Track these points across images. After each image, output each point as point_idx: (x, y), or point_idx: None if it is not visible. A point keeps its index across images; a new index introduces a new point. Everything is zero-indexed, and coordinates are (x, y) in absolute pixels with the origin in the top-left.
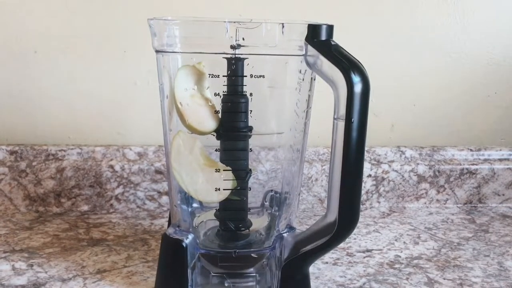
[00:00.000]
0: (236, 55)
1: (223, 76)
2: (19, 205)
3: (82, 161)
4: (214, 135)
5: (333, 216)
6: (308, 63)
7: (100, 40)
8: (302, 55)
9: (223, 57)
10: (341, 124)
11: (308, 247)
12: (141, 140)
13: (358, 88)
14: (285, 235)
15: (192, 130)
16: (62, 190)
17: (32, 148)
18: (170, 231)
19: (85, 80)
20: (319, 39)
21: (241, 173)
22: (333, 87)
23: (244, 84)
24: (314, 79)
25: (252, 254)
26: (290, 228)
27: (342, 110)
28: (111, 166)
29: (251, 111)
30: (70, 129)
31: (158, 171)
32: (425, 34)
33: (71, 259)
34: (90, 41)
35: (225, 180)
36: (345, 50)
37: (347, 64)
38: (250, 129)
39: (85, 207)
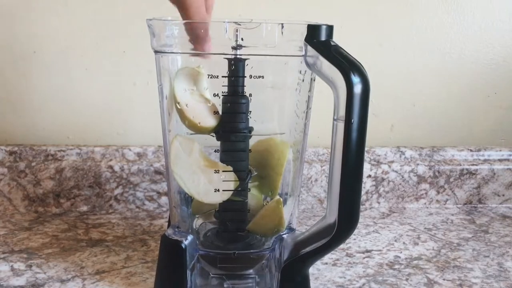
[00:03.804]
0: (236, 56)
1: (222, 76)
2: (18, 206)
3: (81, 162)
4: (213, 136)
5: (332, 217)
6: (307, 64)
7: (100, 40)
8: (302, 55)
9: (224, 58)
10: (341, 125)
11: (308, 249)
12: (140, 140)
13: (357, 89)
14: (284, 236)
15: (193, 127)
16: (61, 190)
17: (31, 148)
18: (170, 232)
19: (84, 80)
20: (318, 39)
21: (241, 174)
22: (332, 88)
23: (244, 84)
24: (314, 80)
25: (252, 255)
26: (290, 229)
27: (342, 111)
28: (111, 167)
29: (250, 111)
30: (69, 129)
31: (157, 172)
32: (425, 34)
33: (70, 260)
34: (90, 41)
35: (225, 181)
36: (345, 51)
37: (347, 65)
38: (251, 130)
39: (84, 208)
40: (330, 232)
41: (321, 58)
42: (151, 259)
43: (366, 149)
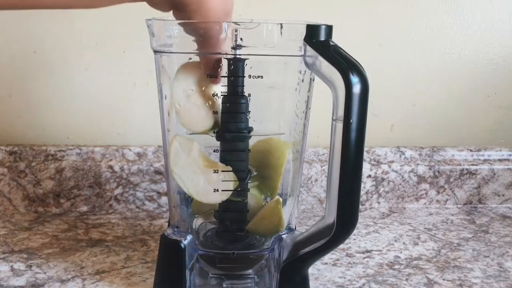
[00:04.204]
0: (235, 56)
1: (222, 76)
2: (18, 206)
3: (81, 162)
4: (213, 136)
5: (331, 218)
6: (306, 64)
7: (100, 40)
8: (301, 55)
9: (223, 58)
10: (340, 126)
11: (307, 249)
12: (140, 140)
13: (356, 89)
14: (284, 236)
15: (188, 129)
16: (61, 190)
17: (31, 148)
18: (169, 231)
19: (84, 80)
20: (317, 39)
21: (241, 174)
22: (331, 88)
23: (243, 84)
24: (313, 80)
25: (251, 256)
26: (289, 229)
27: (341, 111)
28: (111, 167)
29: (249, 111)
30: (69, 130)
31: (157, 172)
32: (425, 34)
33: (70, 260)
34: (90, 41)
35: (224, 181)
36: (344, 51)
37: (346, 65)
38: (250, 130)
39: (84, 208)
40: (329, 233)
41: (320, 58)
42: (151, 259)
43: (366, 149)
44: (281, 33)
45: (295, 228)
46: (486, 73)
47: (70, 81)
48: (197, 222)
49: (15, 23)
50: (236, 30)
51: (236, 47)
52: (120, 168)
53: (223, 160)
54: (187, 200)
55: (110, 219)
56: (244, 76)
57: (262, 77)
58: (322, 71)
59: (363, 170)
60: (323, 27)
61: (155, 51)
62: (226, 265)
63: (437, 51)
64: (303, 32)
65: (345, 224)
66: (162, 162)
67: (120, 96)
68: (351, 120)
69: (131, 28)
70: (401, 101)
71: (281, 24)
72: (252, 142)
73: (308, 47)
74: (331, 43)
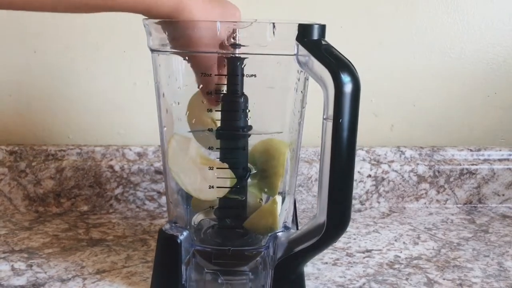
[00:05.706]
0: (230, 55)
1: (215, 75)
2: (19, 205)
3: (81, 161)
4: (210, 134)
5: (322, 217)
6: (299, 63)
7: (100, 40)
8: (294, 54)
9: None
10: (330, 125)
11: (300, 247)
12: (141, 140)
13: (347, 88)
14: (279, 234)
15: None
16: (61, 190)
17: (32, 148)
18: (166, 227)
19: (84, 80)
20: (310, 38)
21: (240, 172)
22: (322, 87)
23: (238, 83)
24: (307, 79)
25: (246, 252)
26: (286, 228)
27: (331, 111)
28: (111, 166)
29: (243, 110)
30: (69, 129)
31: (157, 171)
32: (425, 34)
33: (70, 260)
34: (90, 41)
35: (219, 178)
36: (336, 50)
37: (336, 64)
38: (248, 128)
39: (84, 207)
40: (320, 232)
41: (312, 58)
42: (151, 258)
43: (366, 149)
44: (273, 32)
45: (298, 227)
46: (486, 73)
47: (70, 81)
48: (197, 218)
49: (15, 23)
50: (230, 29)
51: (230, 46)
52: (121, 168)
53: (222, 158)
54: (185, 196)
55: (111, 219)
56: (238, 75)
57: (255, 75)
58: (314, 71)
59: (363, 170)
60: (315, 27)
61: (152, 50)
62: (221, 261)
63: (437, 51)
64: (295, 31)
65: (335, 224)
66: None
67: (120, 96)
68: (340, 120)
69: (131, 28)
70: (401, 101)
71: (273, 23)
72: (253, 142)
73: (300, 47)
74: (323, 42)
